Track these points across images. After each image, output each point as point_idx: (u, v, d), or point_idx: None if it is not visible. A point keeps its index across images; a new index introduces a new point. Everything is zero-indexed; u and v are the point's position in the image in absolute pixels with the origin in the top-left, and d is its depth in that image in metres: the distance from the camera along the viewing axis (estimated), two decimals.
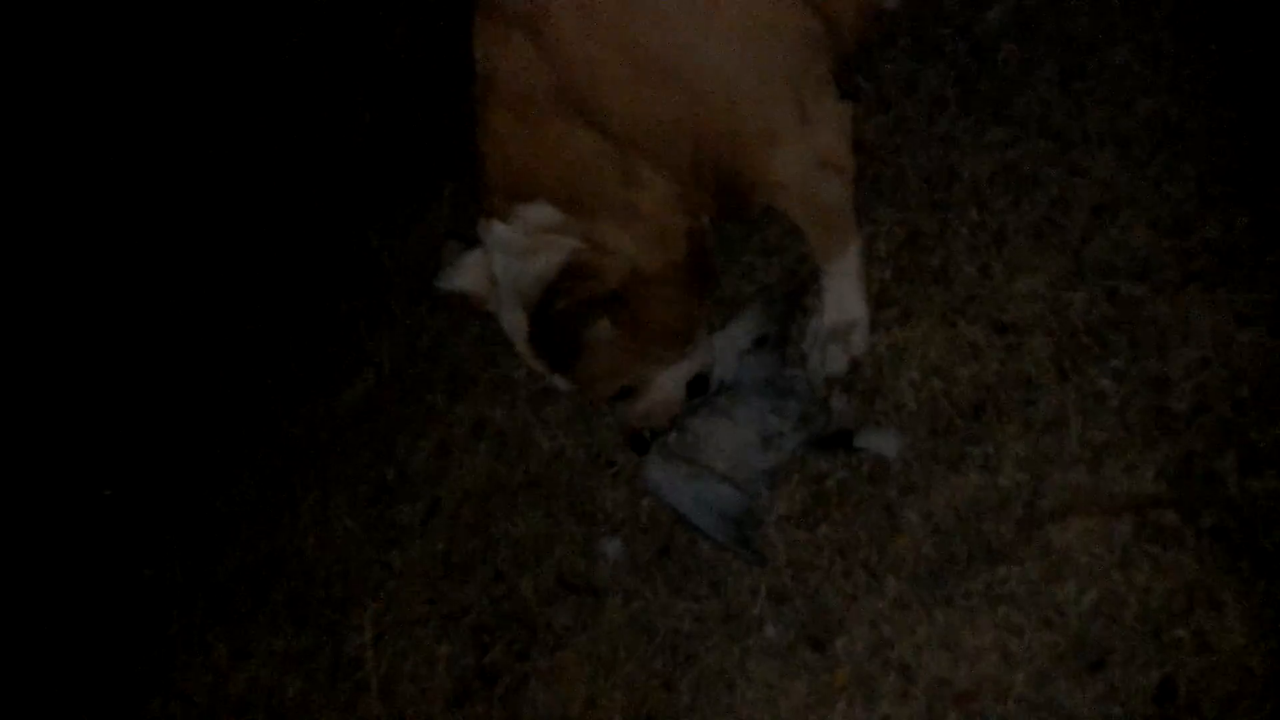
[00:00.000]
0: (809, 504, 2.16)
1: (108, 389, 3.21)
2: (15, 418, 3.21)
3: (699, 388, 2.22)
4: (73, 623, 2.76)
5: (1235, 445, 1.91)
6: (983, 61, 2.51)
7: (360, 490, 2.65)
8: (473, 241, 2.12)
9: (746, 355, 2.25)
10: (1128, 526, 1.91)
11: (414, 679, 2.32)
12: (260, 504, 2.76)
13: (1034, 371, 2.11)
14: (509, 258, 1.98)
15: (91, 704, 2.56)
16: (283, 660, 2.48)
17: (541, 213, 1.92)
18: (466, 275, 2.11)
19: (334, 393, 2.89)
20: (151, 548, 2.80)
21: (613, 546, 2.29)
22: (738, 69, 1.82)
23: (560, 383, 2.11)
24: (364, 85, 3.51)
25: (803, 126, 1.92)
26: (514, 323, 2.04)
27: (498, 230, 1.97)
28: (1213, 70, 2.30)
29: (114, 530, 2.89)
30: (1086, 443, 2.00)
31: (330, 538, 2.61)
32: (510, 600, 2.33)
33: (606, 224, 1.92)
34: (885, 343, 2.25)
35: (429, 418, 2.70)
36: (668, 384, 2.17)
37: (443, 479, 2.58)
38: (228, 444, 2.92)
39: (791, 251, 2.45)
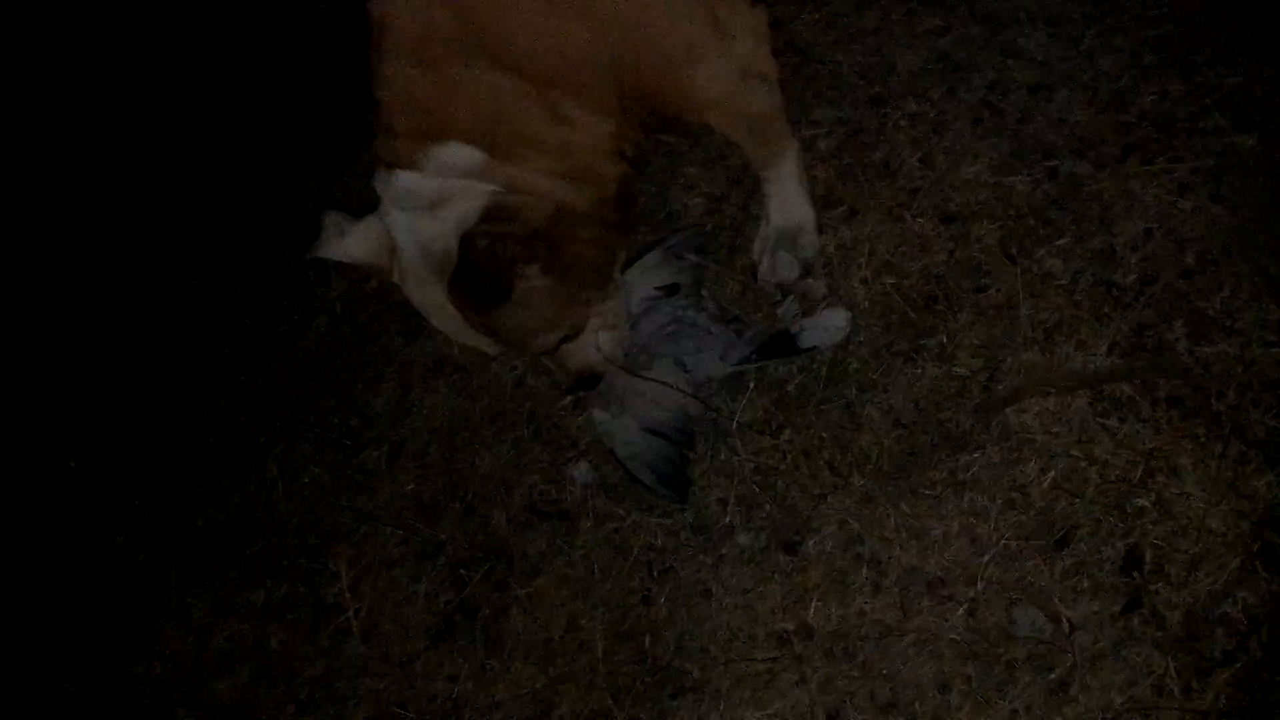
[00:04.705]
0: (770, 411, 2.17)
1: (59, 361, 3.15)
2: None
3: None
4: (48, 594, 2.74)
5: (1184, 313, 1.94)
6: None
7: (325, 437, 2.64)
8: (359, 211, 1.96)
9: (653, 304, 2.21)
10: (1084, 402, 1.94)
11: (395, 619, 2.33)
12: (225, 460, 2.74)
13: (982, 258, 2.12)
14: (414, 215, 1.82)
15: (74, 672, 2.56)
16: (263, 613, 2.48)
17: (459, 153, 1.77)
18: (359, 243, 1.95)
19: (289, 342, 2.85)
20: (121, 515, 2.77)
21: (581, 470, 2.30)
22: None
23: (492, 346, 1.99)
24: (288, 27, 3.42)
25: (721, 40, 1.87)
26: (427, 295, 1.89)
27: (402, 181, 1.79)
28: None
29: (82, 501, 2.87)
30: (1038, 324, 2.02)
31: (299, 488, 2.60)
32: (484, 533, 2.34)
33: (533, 164, 1.80)
34: (834, 243, 2.25)
35: (387, 359, 2.68)
36: (601, 326, 2.06)
37: (406, 419, 2.57)
38: (187, 404, 2.89)
39: (733, 160, 2.43)
